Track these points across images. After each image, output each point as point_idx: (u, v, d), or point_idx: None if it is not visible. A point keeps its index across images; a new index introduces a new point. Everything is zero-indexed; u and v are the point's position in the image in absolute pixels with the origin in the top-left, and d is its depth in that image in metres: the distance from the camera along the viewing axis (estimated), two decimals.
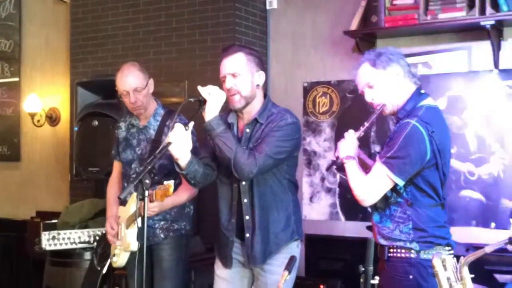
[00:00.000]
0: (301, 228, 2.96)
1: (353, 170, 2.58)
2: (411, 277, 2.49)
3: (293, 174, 2.95)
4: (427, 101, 2.61)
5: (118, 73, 3.32)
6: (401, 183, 2.48)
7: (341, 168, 2.69)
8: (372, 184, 2.51)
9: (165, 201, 3.05)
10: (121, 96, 3.34)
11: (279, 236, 2.85)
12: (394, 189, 2.55)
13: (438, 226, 2.55)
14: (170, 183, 2.70)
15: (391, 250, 2.57)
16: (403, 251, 2.54)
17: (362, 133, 2.66)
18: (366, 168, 2.64)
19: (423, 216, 2.53)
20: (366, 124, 2.64)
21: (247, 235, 2.84)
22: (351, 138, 2.65)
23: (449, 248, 2.56)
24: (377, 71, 2.60)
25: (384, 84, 2.60)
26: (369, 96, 2.64)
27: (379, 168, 2.49)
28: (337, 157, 2.65)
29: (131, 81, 3.27)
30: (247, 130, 2.85)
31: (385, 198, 2.57)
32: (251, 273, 2.94)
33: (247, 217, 2.83)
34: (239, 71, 2.77)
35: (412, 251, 2.52)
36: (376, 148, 4.11)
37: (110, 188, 3.57)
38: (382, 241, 2.60)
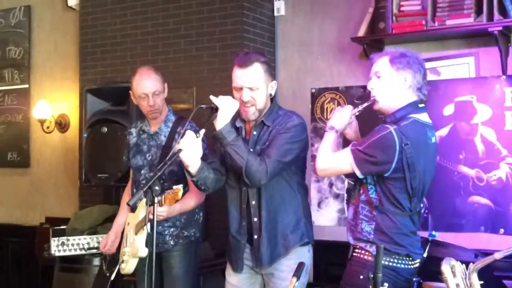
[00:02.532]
0: (312, 232, 2.97)
1: (327, 141, 2.72)
2: (361, 277, 2.56)
3: (302, 176, 2.96)
4: (420, 116, 2.65)
5: (136, 76, 3.33)
6: (359, 175, 2.62)
7: None
8: (334, 162, 2.67)
9: (173, 207, 3.07)
10: (137, 100, 3.35)
11: (288, 238, 2.86)
12: (364, 188, 2.65)
13: (401, 233, 2.60)
14: (179, 187, 2.72)
15: (356, 250, 2.68)
16: (363, 252, 2.64)
17: (357, 113, 2.77)
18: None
19: (386, 221, 2.61)
20: (360, 108, 2.75)
21: (255, 237, 2.86)
22: (345, 112, 2.76)
23: (410, 258, 2.62)
24: (391, 68, 2.66)
25: (389, 83, 2.66)
26: (371, 84, 2.73)
27: (346, 153, 2.63)
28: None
29: (151, 84, 3.29)
30: (254, 133, 2.87)
31: (355, 193, 2.70)
32: (262, 279, 2.96)
33: (255, 219, 2.86)
34: (258, 85, 2.79)
35: (370, 254, 2.60)
36: None
37: (124, 195, 3.59)
38: (350, 239, 2.73)
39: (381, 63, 2.69)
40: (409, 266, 2.63)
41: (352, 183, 2.79)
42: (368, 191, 2.64)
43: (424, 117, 2.66)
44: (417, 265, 2.66)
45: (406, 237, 2.62)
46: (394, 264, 2.59)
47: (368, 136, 2.62)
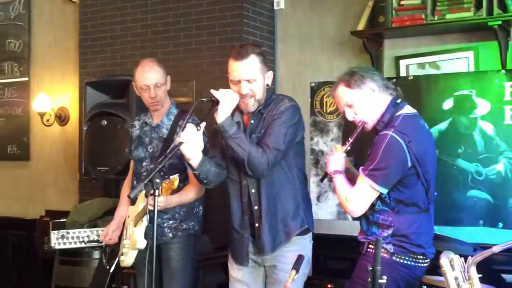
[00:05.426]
0: (311, 219, 2.98)
1: (340, 184, 2.71)
2: None
3: (301, 162, 2.97)
4: (405, 110, 2.70)
5: (138, 68, 3.34)
6: (384, 191, 2.61)
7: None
8: (359, 196, 2.64)
9: (171, 199, 3.08)
10: (139, 91, 3.36)
11: (289, 225, 2.87)
12: (379, 197, 2.65)
13: (418, 232, 2.63)
14: (175, 177, 2.72)
15: (370, 246, 2.69)
16: None
17: (349, 148, 2.77)
18: (354, 177, 2.74)
19: (404, 223, 2.63)
20: (351, 140, 2.75)
21: (256, 225, 2.86)
22: (338, 153, 2.77)
23: (424, 257, 2.65)
24: (353, 90, 2.71)
25: (362, 102, 2.71)
26: (350, 115, 2.75)
27: (363, 181, 2.62)
28: (326, 172, 2.79)
29: (153, 76, 3.30)
30: (252, 121, 2.88)
31: (371, 206, 2.68)
32: (264, 271, 2.97)
33: (255, 207, 2.86)
34: (255, 77, 2.79)
35: (387, 252, 2.62)
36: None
37: (124, 187, 3.59)
38: (363, 240, 2.75)
39: (342, 93, 2.73)
40: (422, 265, 2.66)
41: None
42: (384, 199, 2.65)
43: (408, 109, 2.72)
44: (428, 263, 2.69)
45: (422, 236, 2.65)
46: (409, 263, 2.63)
47: (373, 152, 2.63)
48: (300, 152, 2.97)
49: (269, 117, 2.81)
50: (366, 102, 2.70)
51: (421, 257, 2.64)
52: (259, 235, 2.86)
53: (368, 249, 2.71)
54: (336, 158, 2.76)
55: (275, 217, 2.85)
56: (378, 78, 2.74)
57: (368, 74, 2.72)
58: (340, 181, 2.71)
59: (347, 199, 2.66)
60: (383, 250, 2.61)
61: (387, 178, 2.58)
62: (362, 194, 2.63)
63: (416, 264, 2.64)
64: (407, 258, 2.62)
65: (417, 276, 2.67)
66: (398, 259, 2.62)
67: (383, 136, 2.59)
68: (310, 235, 2.96)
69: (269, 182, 2.85)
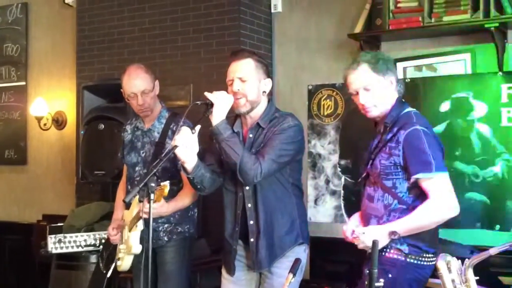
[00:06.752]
0: (307, 232, 2.96)
1: (414, 221, 2.51)
2: (390, 275, 2.50)
3: (297, 178, 2.95)
4: (409, 109, 2.69)
5: (125, 76, 3.31)
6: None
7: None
8: (444, 195, 2.50)
9: (167, 205, 3.09)
10: (127, 98, 3.35)
11: (283, 240, 2.86)
12: (396, 196, 2.58)
13: (432, 232, 2.59)
14: (166, 183, 2.69)
15: (384, 248, 2.58)
16: (392, 251, 2.56)
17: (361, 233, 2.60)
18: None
19: None
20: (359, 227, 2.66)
21: (252, 240, 2.85)
22: (369, 230, 2.57)
23: (433, 255, 2.61)
24: (378, 76, 2.65)
25: (380, 90, 2.65)
26: (363, 99, 2.66)
27: (437, 178, 2.49)
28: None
29: (139, 83, 3.27)
30: (250, 135, 2.87)
31: (386, 206, 2.60)
32: (259, 275, 2.96)
33: (251, 222, 2.84)
34: (248, 76, 2.79)
35: (401, 253, 2.56)
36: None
37: (119, 191, 3.59)
38: None
39: (365, 74, 2.64)
40: (431, 263, 2.61)
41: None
42: (402, 198, 2.58)
43: (411, 109, 2.70)
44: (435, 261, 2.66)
45: (436, 236, 2.63)
46: (422, 263, 2.58)
47: (414, 149, 2.51)
48: (297, 169, 2.95)
49: (270, 132, 2.80)
50: (383, 92, 2.65)
51: (432, 255, 2.59)
52: (256, 251, 2.84)
53: (382, 253, 2.55)
54: (371, 232, 2.54)
55: (272, 234, 2.84)
56: (396, 72, 2.73)
57: (391, 65, 2.70)
58: (407, 223, 2.50)
59: (437, 211, 2.49)
60: (397, 251, 2.55)
61: (442, 162, 2.53)
62: (444, 190, 2.49)
63: (428, 263, 2.58)
64: (420, 258, 2.56)
65: (427, 275, 2.63)
66: (412, 260, 2.56)
67: (415, 131, 2.52)
68: (305, 245, 2.94)
69: (265, 196, 2.83)
